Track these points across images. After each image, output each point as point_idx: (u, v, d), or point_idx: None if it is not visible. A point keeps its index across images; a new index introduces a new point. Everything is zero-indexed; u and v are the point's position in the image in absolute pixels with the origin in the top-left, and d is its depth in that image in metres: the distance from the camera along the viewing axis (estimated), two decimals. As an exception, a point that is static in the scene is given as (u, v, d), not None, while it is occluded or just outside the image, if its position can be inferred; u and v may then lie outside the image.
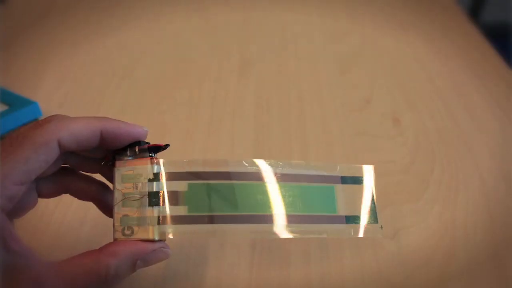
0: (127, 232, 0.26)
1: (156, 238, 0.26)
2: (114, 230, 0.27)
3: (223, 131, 0.46)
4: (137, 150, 0.28)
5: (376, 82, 0.55)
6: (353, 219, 0.31)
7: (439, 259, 0.34)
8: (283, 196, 0.29)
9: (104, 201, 0.29)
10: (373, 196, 0.32)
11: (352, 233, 0.30)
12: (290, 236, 0.28)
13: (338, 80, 0.55)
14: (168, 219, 0.27)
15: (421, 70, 0.57)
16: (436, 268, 0.34)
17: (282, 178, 0.30)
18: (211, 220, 0.27)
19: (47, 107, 0.46)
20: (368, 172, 0.32)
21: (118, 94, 0.51)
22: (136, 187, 0.27)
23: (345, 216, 0.30)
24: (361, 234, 0.30)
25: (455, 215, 0.38)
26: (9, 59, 0.55)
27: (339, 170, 0.32)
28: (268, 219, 0.28)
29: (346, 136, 0.46)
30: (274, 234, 0.28)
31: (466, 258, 0.34)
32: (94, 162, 0.29)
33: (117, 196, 0.27)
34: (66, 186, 0.29)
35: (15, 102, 0.43)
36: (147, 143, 0.28)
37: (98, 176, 0.30)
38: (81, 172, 0.29)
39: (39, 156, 0.24)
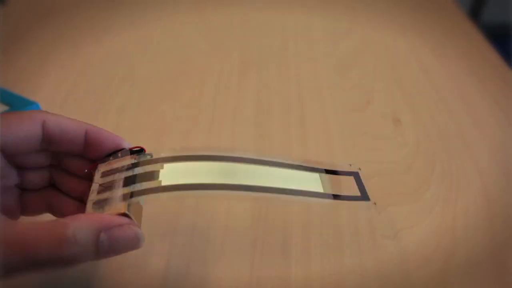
0: (98, 211, 0.25)
1: (127, 211, 0.25)
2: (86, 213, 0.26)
3: (223, 131, 0.46)
4: (119, 154, 0.28)
5: (376, 82, 0.55)
6: (342, 197, 0.30)
7: (439, 259, 0.34)
8: (265, 175, 0.29)
9: None
10: (361, 180, 0.31)
11: (341, 204, 0.29)
12: (268, 195, 0.27)
13: (338, 80, 0.55)
14: (141, 192, 0.26)
15: (421, 70, 0.57)
16: (436, 268, 0.34)
17: (263, 163, 0.29)
18: (185, 187, 0.26)
19: (48, 107, 0.45)
20: (353, 171, 0.32)
21: (119, 94, 0.51)
22: (114, 176, 0.27)
23: (333, 194, 0.30)
24: (349, 204, 0.30)
25: (455, 215, 0.38)
26: (9, 60, 0.55)
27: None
28: (246, 188, 0.27)
29: (346, 136, 0.46)
30: (250, 196, 0.27)
31: (466, 258, 0.34)
32: (79, 181, 0.29)
33: (93, 188, 0.27)
34: (50, 202, 0.29)
35: (15, 102, 0.43)
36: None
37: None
38: (65, 193, 0.29)
39: (20, 126, 0.26)
